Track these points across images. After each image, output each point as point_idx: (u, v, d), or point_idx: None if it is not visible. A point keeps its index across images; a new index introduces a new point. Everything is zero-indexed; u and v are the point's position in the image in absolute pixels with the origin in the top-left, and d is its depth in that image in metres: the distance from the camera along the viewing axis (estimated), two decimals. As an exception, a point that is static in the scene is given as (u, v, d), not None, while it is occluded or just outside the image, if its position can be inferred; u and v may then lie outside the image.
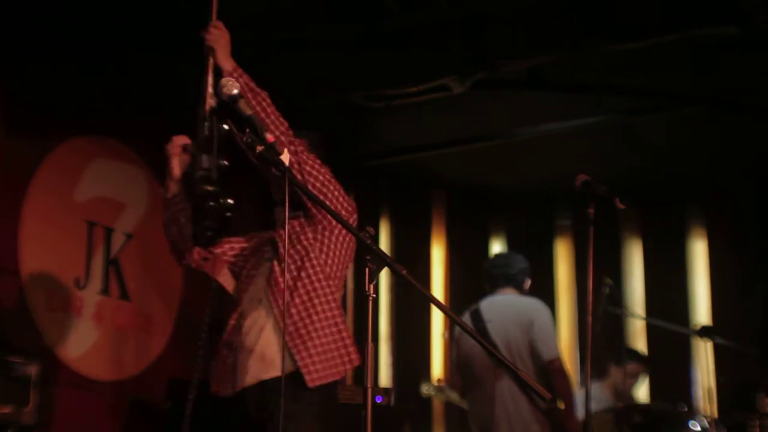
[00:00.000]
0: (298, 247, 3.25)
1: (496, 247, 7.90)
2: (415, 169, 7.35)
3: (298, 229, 3.29)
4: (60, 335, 5.00)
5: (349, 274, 7.26)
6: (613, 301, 5.31)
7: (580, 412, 5.07)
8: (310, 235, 3.28)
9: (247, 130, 2.64)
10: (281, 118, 3.24)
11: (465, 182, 7.69)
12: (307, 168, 3.20)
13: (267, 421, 3.14)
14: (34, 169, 5.01)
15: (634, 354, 6.52)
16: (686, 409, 5.25)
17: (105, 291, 5.28)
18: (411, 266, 3.51)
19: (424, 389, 5.76)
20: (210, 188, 2.97)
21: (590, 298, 4.10)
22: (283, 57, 5.35)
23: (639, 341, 7.30)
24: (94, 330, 5.20)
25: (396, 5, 4.86)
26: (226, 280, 3.41)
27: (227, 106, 3.11)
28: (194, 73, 3.22)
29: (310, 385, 3.11)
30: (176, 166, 3.22)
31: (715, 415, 5.29)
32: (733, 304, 6.94)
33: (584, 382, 4.24)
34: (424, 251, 7.71)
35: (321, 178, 3.26)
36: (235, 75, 3.16)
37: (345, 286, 7.08)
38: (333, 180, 3.32)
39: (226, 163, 3.01)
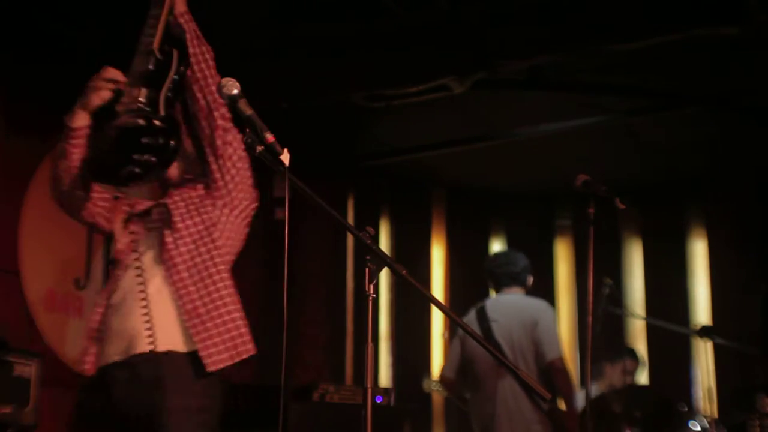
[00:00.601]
0: (197, 219, 3.07)
1: (496, 247, 7.91)
2: (415, 169, 7.35)
3: (197, 200, 3.11)
4: (60, 335, 5.00)
5: (349, 274, 7.31)
6: (613, 301, 5.31)
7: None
8: (209, 208, 3.10)
9: (247, 130, 2.63)
10: (217, 76, 3.11)
11: (465, 182, 7.70)
12: (230, 137, 3.08)
13: (137, 402, 2.94)
14: (34, 169, 5.01)
15: (628, 351, 6.52)
16: (686, 409, 5.26)
17: (105, 291, 5.28)
18: (411, 266, 3.49)
19: (426, 384, 5.76)
20: (143, 122, 2.88)
21: (590, 298, 4.10)
22: (283, 57, 5.35)
23: (639, 341, 7.30)
24: (94, 330, 5.19)
25: (396, 5, 4.86)
26: (120, 233, 3.13)
27: (183, 48, 3.07)
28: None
29: (212, 368, 2.93)
30: (96, 98, 3.02)
31: (715, 415, 5.29)
32: (733, 304, 6.94)
33: (584, 383, 4.25)
34: (424, 251, 7.72)
35: (240, 152, 3.11)
36: (186, 17, 3.12)
37: (345, 285, 7.17)
38: (247, 158, 3.15)
39: (170, 95, 2.95)
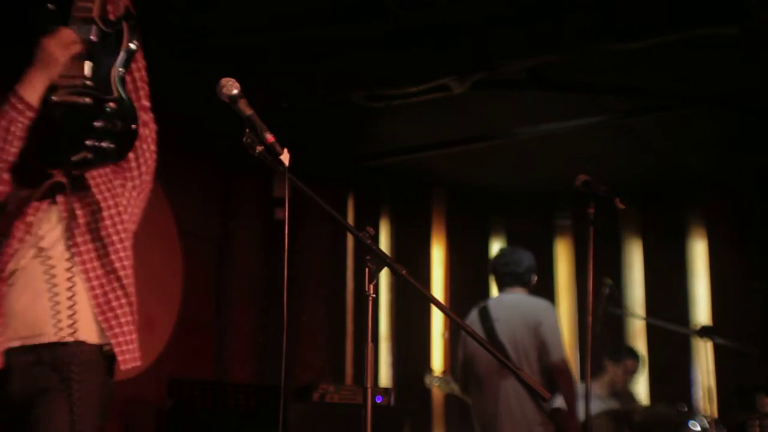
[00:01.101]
0: (110, 203, 2.88)
1: (496, 247, 7.91)
2: (415, 169, 7.35)
3: (106, 179, 2.90)
4: (60, 335, 4.98)
5: (349, 274, 7.31)
6: (613, 301, 5.31)
7: (581, 413, 5.08)
8: (120, 190, 2.93)
9: (247, 130, 2.62)
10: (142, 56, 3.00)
11: (465, 182, 7.70)
12: (148, 118, 2.97)
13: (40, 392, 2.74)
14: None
15: (630, 351, 6.53)
16: (686, 409, 5.25)
17: (105, 291, 5.27)
18: (411, 266, 3.49)
19: (427, 380, 5.76)
20: (90, 101, 2.75)
21: (590, 298, 4.10)
22: (284, 58, 5.35)
23: (639, 341, 7.31)
24: (94, 330, 5.18)
25: (396, 5, 4.86)
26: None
27: (130, 19, 2.91)
28: (192, 74, 3.21)
29: (123, 367, 2.82)
30: (58, 67, 2.79)
31: (715, 415, 5.29)
32: (733, 304, 6.95)
33: (584, 382, 4.25)
34: (424, 251, 7.72)
35: (154, 135, 2.99)
36: None
37: (345, 285, 7.17)
38: (156, 142, 3.03)
39: (121, 70, 2.81)
